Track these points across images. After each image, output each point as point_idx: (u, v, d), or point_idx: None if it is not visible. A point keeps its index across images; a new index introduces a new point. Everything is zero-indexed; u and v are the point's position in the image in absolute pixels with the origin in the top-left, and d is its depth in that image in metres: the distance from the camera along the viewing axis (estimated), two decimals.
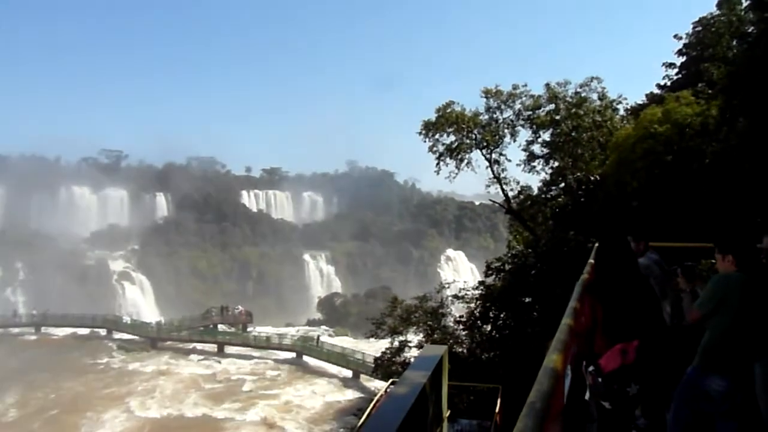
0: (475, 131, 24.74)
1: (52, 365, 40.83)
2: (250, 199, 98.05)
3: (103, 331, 50.53)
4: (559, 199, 23.05)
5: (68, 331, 51.13)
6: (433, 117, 24.86)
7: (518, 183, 25.63)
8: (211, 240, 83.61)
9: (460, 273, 78.88)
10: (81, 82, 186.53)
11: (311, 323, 60.01)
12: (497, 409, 11.84)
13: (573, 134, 23.10)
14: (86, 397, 34.58)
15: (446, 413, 7.42)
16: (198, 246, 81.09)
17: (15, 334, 51.03)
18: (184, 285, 71.72)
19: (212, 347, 45.75)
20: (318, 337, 46.19)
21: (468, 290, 23.05)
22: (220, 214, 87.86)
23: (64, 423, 30.11)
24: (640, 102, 23.15)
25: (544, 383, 2.19)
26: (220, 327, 52.40)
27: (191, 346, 46.42)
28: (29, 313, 55.94)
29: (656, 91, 23.22)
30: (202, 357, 43.44)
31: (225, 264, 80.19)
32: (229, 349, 45.09)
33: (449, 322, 23.09)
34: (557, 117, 23.58)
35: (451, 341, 20.93)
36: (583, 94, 23.67)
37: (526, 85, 24.87)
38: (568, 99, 23.75)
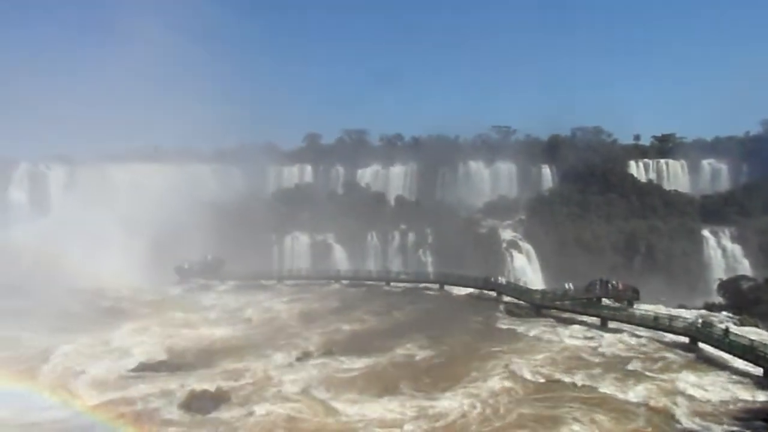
0: None
1: (450, 316, 46.91)
2: (638, 169, 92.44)
3: (492, 293, 55.03)
4: None
5: (464, 290, 57.44)
6: None
7: None
8: (596, 211, 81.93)
9: None
10: (472, 65, 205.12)
11: (709, 307, 52.92)
12: None
13: None
14: (474, 348, 38.35)
15: None
16: (582, 217, 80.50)
17: (426, 288, 60.05)
18: (568, 255, 72.10)
19: (594, 320, 44.91)
20: (727, 327, 40.04)
21: None
22: (606, 185, 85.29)
23: (455, 368, 34.02)
24: None
25: None
26: (604, 300, 51.02)
27: (573, 316, 46.56)
28: (435, 272, 65.43)
29: None
30: (584, 329, 43.08)
31: (610, 236, 77.50)
32: (612, 325, 43.53)
33: None
34: None
35: None
36: None
37: None
38: None
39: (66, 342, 38.64)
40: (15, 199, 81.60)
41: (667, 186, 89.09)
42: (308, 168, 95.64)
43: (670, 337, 39.78)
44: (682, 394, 29.66)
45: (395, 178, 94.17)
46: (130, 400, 29.22)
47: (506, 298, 53.09)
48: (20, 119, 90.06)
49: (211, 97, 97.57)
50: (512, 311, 48.90)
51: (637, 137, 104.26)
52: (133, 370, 34.00)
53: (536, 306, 49.21)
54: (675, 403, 28.27)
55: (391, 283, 61.93)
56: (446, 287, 59.25)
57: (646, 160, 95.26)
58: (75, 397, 30.09)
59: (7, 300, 53.42)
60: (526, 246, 74.32)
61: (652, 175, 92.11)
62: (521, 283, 59.42)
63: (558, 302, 49.97)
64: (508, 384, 31.25)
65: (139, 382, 31.82)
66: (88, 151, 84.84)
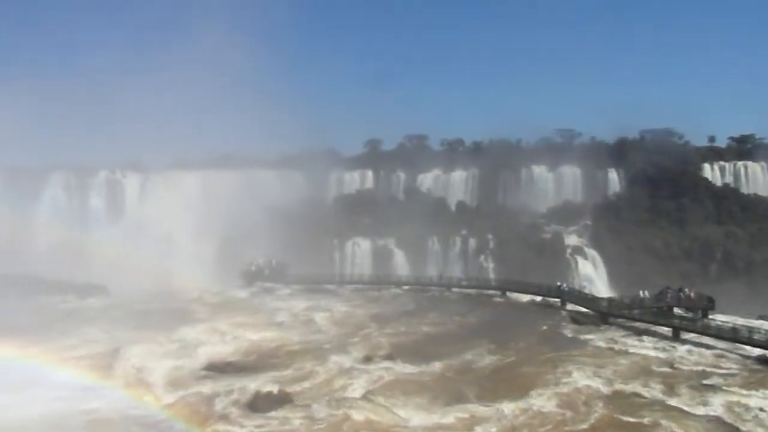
0: None
1: (515, 323, 46.34)
2: (713, 172, 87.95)
3: (556, 301, 53.62)
4: None
5: (527, 297, 56.28)
6: None
7: None
8: (667, 217, 78.69)
9: None
10: (534, 67, 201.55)
11: None
12: None
13: None
14: (540, 355, 37.44)
15: None
16: (652, 223, 77.55)
17: (487, 295, 59.29)
18: (637, 263, 69.55)
19: (666, 330, 43.01)
20: None
21: None
22: (677, 189, 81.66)
23: (523, 375, 33.48)
24: None
25: None
26: (676, 310, 48.81)
27: (643, 326, 44.76)
28: (497, 278, 64.52)
29: None
30: (655, 339, 41.30)
31: (683, 243, 74.25)
32: (685, 335, 41.53)
33: None
34: None
35: None
36: None
37: None
38: None
39: (140, 340, 40.41)
40: (94, 205, 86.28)
41: (745, 190, 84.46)
42: (369, 173, 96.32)
43: (750, 349, 37.58)
44: (761, 410, 27.96)
45: (456, 183, 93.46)
46: (198, 398, 30.17)
47: (570, 306, 51.66)
48: (100, 127, 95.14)
49: (276, 103, 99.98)
50: (577, 319, 47.39)
51: (711, 138, 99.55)
52: (202, 370, 35.17)
53: (603, 314, 47.61)
54: (758, 421, 26.69)
55: (453, 289, 61.48)
56: (508, 294, 58.30)
57: (722, 162, 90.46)
58: (147, 393, 31.43)
59: (87, 299, 56.87)
60: (591, 252, 72.19)
61: (729, 179, 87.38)
62: (586, 291, 57.68)
63: (626, 311, 48.17)
64: (577, 393, 30.36)
65: (207, 381, 32.83)
66: (161, 159, 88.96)
